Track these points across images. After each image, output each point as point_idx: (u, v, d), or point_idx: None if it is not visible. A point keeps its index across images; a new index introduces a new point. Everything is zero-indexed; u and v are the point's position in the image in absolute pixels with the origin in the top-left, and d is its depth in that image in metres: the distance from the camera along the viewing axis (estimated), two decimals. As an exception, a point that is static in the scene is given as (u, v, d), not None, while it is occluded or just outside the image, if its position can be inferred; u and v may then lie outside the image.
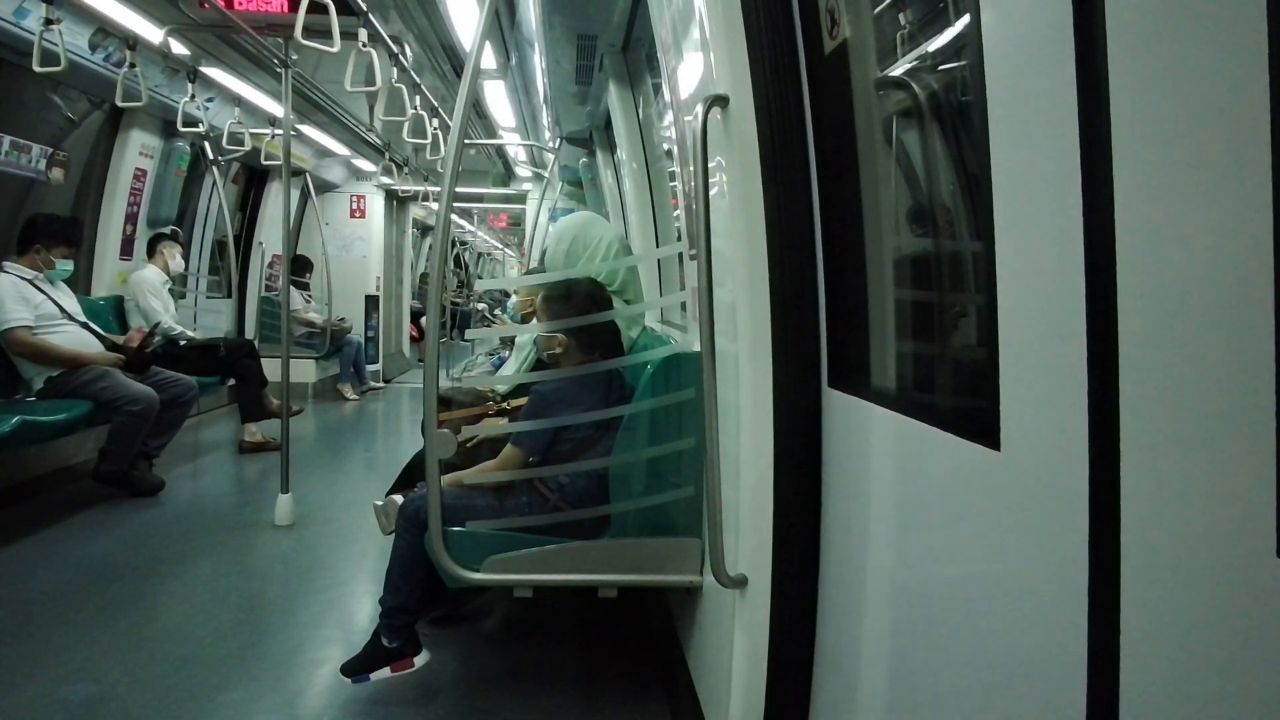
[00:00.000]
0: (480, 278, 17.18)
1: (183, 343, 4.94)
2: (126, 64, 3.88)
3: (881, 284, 1.43)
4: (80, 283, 4.79)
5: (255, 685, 2.23)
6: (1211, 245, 0.67)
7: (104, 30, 3.84)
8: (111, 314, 4.84)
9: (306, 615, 2.71)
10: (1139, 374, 0.74)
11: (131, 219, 5.14)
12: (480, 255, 17.75)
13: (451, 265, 12.60)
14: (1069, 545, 0.82)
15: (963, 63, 1.13)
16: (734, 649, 1.64)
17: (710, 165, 1.60)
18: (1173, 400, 0.70)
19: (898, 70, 1.38)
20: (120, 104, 3.98)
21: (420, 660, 2.19)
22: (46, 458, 4.22)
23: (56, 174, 4.43)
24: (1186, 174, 0.69)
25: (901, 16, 1.38)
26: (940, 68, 1.26)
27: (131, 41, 3.86)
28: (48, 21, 3.32)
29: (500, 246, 17.08)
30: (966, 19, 1.04)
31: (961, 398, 1.22)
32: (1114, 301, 0.75)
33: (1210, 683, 0.68)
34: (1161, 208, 0.71)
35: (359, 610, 2.75)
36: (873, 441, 1.34)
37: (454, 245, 13.02)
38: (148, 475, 4.06)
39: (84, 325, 4.13)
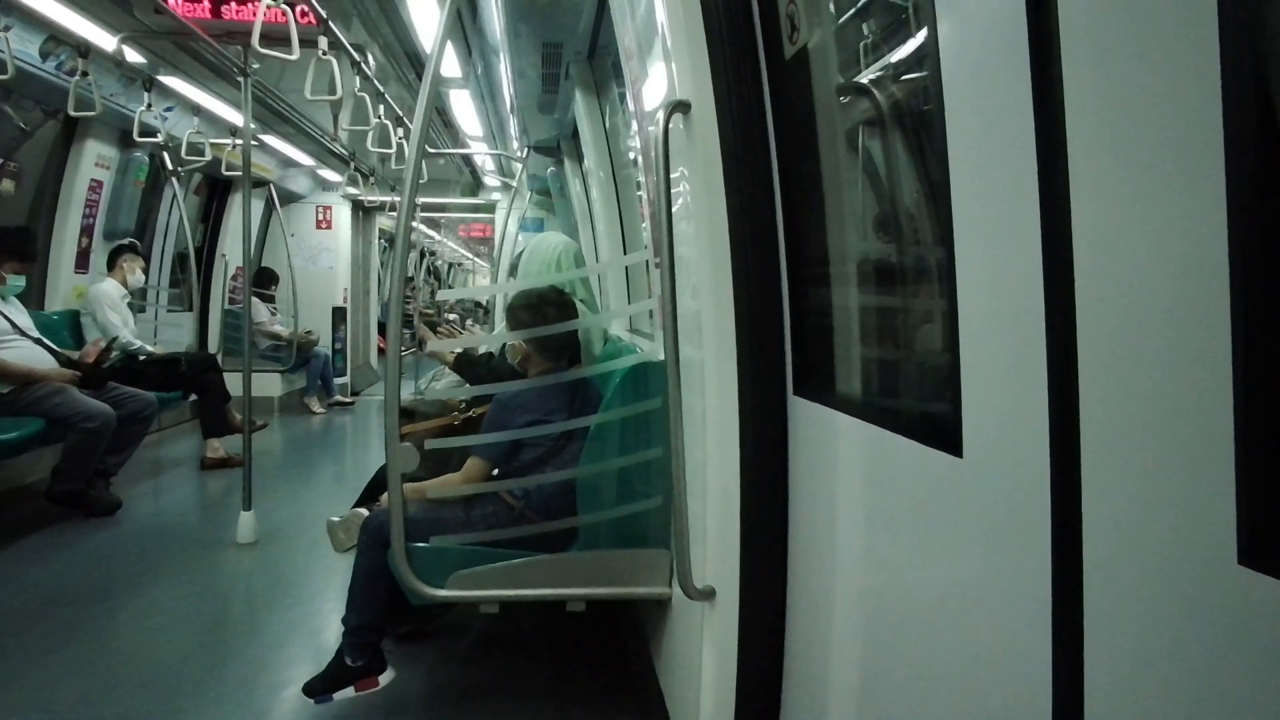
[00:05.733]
0: (451, 287, 17.07)
1: (142, 357, 4.83)
2: (79, 72, 3.79)
3: (845, 291, 1.42)
4: (33, 297, 4.66)
5: (216, 709, 2.16)
6: (1167, 252, 0.66)
7: (55, 38, 3.75)
8: (66, 329, 4.71)
9: (270, 635, 2.64)
10: (1098, 380, 0.74)
11: (87, 231, 5.01)
12: (450, 265, 17.63)
13: (422, 276, 12.51)
14: (1032, 551, 0.81)
15: (922, 71, 1.13)
16: (703, 661, 1.62)
17: (673, 172, 1.59)
18: (1131, 407, 0.70)
19: (858, 76, 1.38)
20: (73, 113, 3.89)
21: (385, 678, 2.14)
22: (-2, 478, 4.09)
23: (7, 185, 4.32)
24: (1141, 181, 0.69)
25: (861, 24, 1.38)
26: (900, 75, 1.26)
27: (84, 49, 3.76)
28: (-5, 29, 3.24)
29: (470, 256, 17.01)
30: (924, 28, 1.04)
31: (925, 405, 1.22)
32: (1072, 308, 0.75)
33: (1173, 687, 0.67)
34: (1117, 215, 0.71)
35: (324, 629, 2.68)
36: (838, 449, 1.33)
37: (424, 255, 12.94)
38: (104, 494, 3.94)
39: (37, 341, 4.01)
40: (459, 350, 3.34)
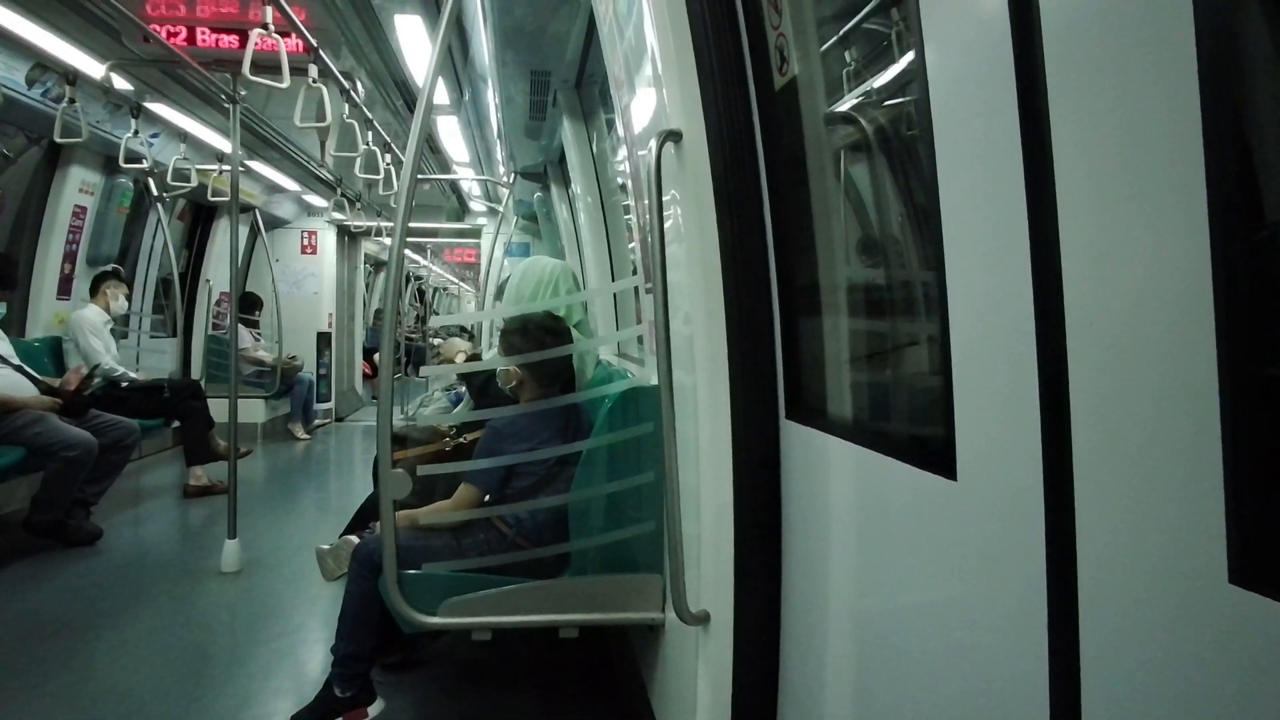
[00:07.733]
0: (436, 313, 17.02)
1: (124, 384, 4.77)
2: (66, 99, 3.78)
3: (836, 316, 1.44)
4: (14, 324, 4.61)
5: (199, 744, 2.12)
6: (1156, 276, 0.68)
7: (42, 65, 3.75)
8: (47, 356, 4.66)
9: (254, 667, 2.60)
10: (1090, 402, 0.75)
11: (70, 258, 4.97)
12: (436, 290, 17.59)
13: (408, 300, 12.47)
14: (1026, 574, 0.82)
15: (909, 98, 1.15)
16: (698, 687, 1.61)
17: (664, 199, 1.61)
18: (1123, 428, 0.71)
19: (846, 105, 1.41)
20: (59, 140, 3.87)
21: (374, 709, 2.11)
22: (-25, 508, 4.01)
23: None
24: (1128, 207, 0.71)
25: (847, 55, 1.41)
26: (887, 103, 1.29)
27: (71, 77, 3.76)
28: (-19, 57, 3.23)
29: (456, 281, 16.98)
30: (911, 56, 1.07)
31: (918, 428, 1.23)
32: (1063, 330, 0.77)
33: (1169, 708, 0.68)
34: (1106, 239, 0.73)
35: (311, 659, 2.64)
36: (831, 473, 1.34)
37: (409, 280, 12.91)
38: (84, 524, 3.88)
39: (18, 368, 3.96)
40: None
